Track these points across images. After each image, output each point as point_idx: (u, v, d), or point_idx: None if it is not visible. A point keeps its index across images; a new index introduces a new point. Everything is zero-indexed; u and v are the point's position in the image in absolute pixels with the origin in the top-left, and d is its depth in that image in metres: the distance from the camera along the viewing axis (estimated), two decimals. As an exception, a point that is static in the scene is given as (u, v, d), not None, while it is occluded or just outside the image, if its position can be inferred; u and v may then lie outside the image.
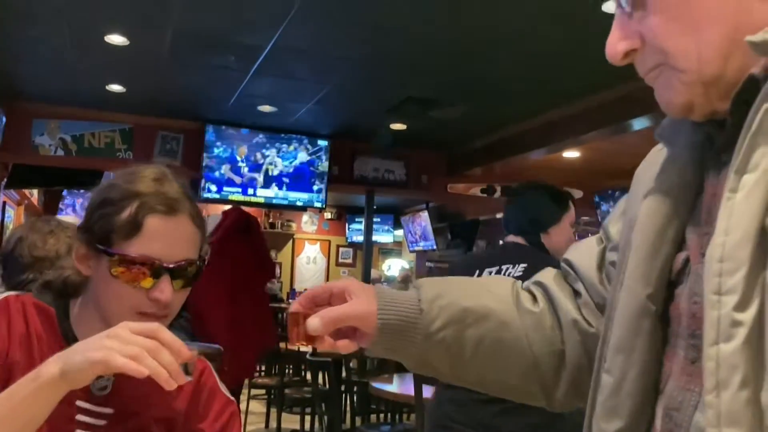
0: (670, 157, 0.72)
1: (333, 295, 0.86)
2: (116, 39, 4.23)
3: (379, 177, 7.00)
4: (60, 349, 0.87)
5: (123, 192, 1.02)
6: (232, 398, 1.15)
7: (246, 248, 3.78)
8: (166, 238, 1.01)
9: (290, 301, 9.99)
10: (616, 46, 0.69)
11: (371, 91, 5.22)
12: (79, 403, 1.00)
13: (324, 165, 6.68)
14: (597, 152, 6.15)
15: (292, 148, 6.59)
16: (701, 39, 0.61)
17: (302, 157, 6.63)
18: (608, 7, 3.45)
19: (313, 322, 0.81)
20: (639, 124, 4.88)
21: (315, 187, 6.68)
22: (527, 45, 4.07)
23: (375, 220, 8.35)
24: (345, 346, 0.86)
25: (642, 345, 0.66)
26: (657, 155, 0.78)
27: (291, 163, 6.60)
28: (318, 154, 6.66)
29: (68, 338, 1.01)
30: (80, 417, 0.99)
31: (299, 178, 6.63)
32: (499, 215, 9.26)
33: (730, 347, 0.53)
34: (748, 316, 0.52)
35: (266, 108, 5.82)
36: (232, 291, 3.61)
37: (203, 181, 6.24)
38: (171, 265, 1.00)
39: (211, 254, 1.10)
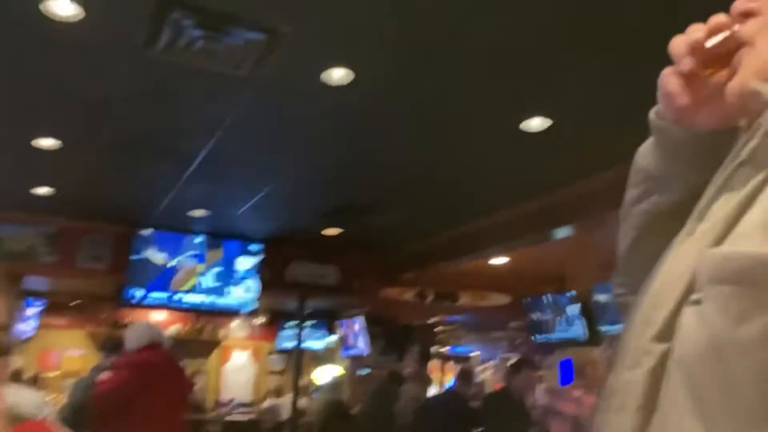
0: None
1: None
2: (47, 142, 4.18)
3: (312, 282, 6.97)
4: None
5: None
6: None
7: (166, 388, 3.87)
8: None
9: (215, 412, 9.52)
10: None
11: (306, 197, 5.29)
12: None
13: (257, 269, 6.61)
14: (525, 258, 6.33)
15: (223, 252, 6.52)
16: None
17: (234, 261, 6.55)
18: (528, 126, 3.69)
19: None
20: (561, 232, 5.10)
21: (247, 292, 6.57)
22: (459, 158, 4.26)
23: (307, 325, 8.21)
24: None
25: None
26: None
27: (222, 267, 6.50)
28: (251, 259, 6.61)
29: None
30: None
31: (230, 283, 6.52)
32: (431, 320, 9.29)
33: (637, 373, 0.57)
34: (659, 348, 0.55)
35: (199, 212, 5.79)
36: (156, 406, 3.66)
37: (129, 285, 6.05)
38: None
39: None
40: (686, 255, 0.57)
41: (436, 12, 2.66)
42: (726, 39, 0.63)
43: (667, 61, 0.68)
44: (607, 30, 2.73)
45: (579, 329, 6.80)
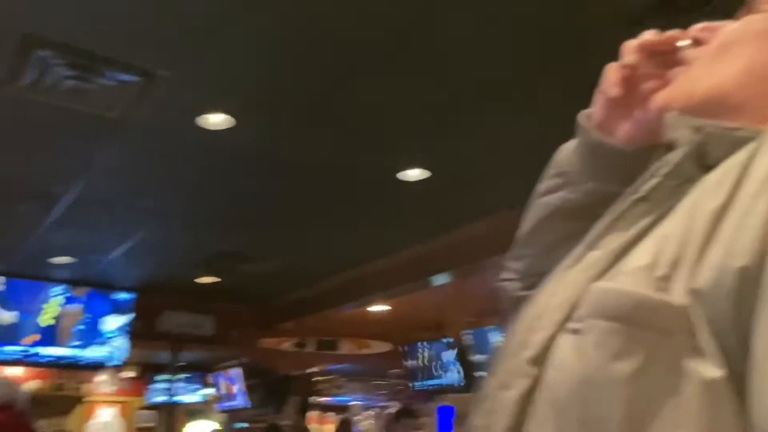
0: None
1: None
2: None
3: (186, 332, 6.67)
4: None
5: None
6: None
7: None
8: None
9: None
10: None
11: (182, 244, 5.10)
12: None
13: (126, 319, 6.24)
14: (404, 306, 6.40)
15: (88, 301, 6.11)
16: None
17: (101, 311, 6.15)
18: (406, 176, 3.78)
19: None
20: (439, 279, 5.22)
21: (114, 344, 6.18)
22: (338, 206, 4.28)
23: (180, 378, 7.83)
24: None
25: None
26: None
27: (88, 317, 6.09)
28: (120, 308, 6.23)
29: None
30: None
31: (96, 334, 6.11)
32: (311, 369, 9.14)
33: (509, 395, 0.55)
34: (533, 371, 0.54)
35: (63, 259, 5.42)
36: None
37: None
38: None
39: None
40: (572, 282, 0.57)
41: (313, 67, 2.69)
42: (674, 48, 0.67)
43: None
44: (485, 85, 2.86)
45: (455, 375, 6.92)
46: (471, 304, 6.57)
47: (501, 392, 0.56)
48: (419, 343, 7.51)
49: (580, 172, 0.74)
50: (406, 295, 5.71)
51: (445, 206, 4.24)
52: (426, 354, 7.38)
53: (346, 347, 7.83)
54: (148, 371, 10.08)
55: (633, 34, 0.71)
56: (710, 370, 0.44)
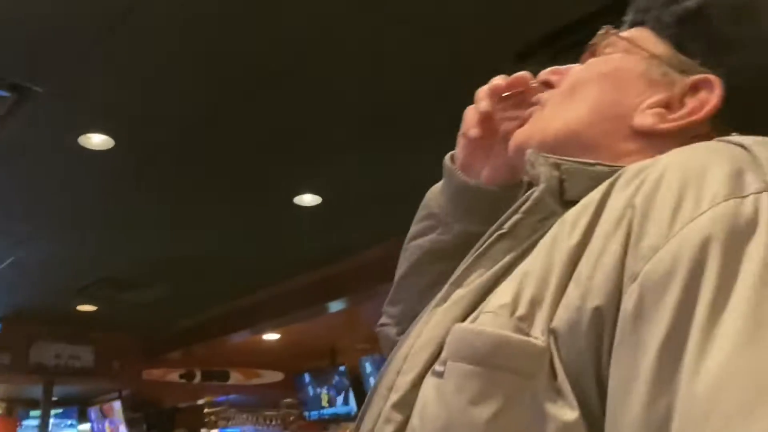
0: None
1: None
2: None
3: (61, 364, 6.26)
4: None
5: None
6: None
7: None
8: None
9: None
10: None
11: (57, 270, 4.78)
12: None
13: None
14: (296, 334, 6.29)
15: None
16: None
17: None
18: (302, 201, 3.72)
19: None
20: (335, 306, 5.16)
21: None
22: (227, 231, 4.14)
23: (55, 413, 7.30)
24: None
25: None
26: None
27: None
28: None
29: None
30: None
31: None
32: (200, 401, 8.78)
33: None
34: (400, 417, 0.53)
35: None
36: None
37: None
38: None
39: None
40: (438, 322, 0.56)
41: (197, 90, 2.61)
42: (522, 92, 0.72)
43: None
44: (380, 114, 2.86)
45: (350, 404, 6.84)
46: (365, 331, 6.56)
47: None
48: (313, 372, 7.38)
49: (448, 213, 0.76)
50: (300, 322, 5.60)
51: (339, 232, 4.20)
52: (320, 383, 7.27)
53: (236, 377, 7.59)
54: (16, 407, 9.35)
55: (522, 68, 0.74)
56: (566, 412, 0.44)
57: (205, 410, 9.58)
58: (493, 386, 0.46)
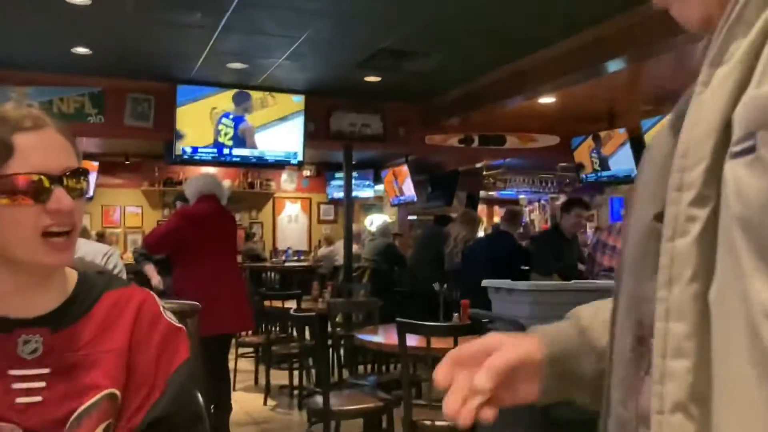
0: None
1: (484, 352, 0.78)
2: (77, -1, 4.10)
3: (356, 131, 6.95)
4: None
5: None
6: (179, 325, 1.13)
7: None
8: (40, 150, 0.97)
9: (273, 260, 10.00)
10: None
11: (343, 45, 5.13)
12: (12, 371, 0.98)
13: (300, 122, 6.59)
14: (572, 97, 6.13)
15: (265, 105, 6.50)
16: None
17: (276, 114, 6.54)
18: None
19: (479, 378, 0.72)
20: (614, 65, 4.87)
21: (292, 145, 6.62)
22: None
23: (355, 175, 8.32)
24: (528, 393, 0.79)
25: (651, 266, 0.62)
26: None
27: (265, 121, 6.51)
28: (293, 111, 6.58)
29: None
30: (17, 385, 0.98)
31: (275, 136, 6.56)
32: (478, 164, 9.28)
33: (685, 242, 0.53)
34: (703, 212, 0.52)
35: (237, 65, 5.71)
36: (207, 251, 4.01)
37: (176, 142, 6.15)
38: (58, 173, 0.97)
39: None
40: (710, 105, 0.52)
41: None
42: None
43: None
44: None
45: (629, 167, 6.68)
46: (648, 91, 6.15)
47: (672, 243, 0.54)
48: (591, 135, 7.25)
49: None
50: (576, 85, 5.42)
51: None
52: (598, 146, 7.16)
53: (512, 141, 7.77)
54: (325, 170, 10.84)
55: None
56: None
57: (484, 173, 10.14)
58: None
